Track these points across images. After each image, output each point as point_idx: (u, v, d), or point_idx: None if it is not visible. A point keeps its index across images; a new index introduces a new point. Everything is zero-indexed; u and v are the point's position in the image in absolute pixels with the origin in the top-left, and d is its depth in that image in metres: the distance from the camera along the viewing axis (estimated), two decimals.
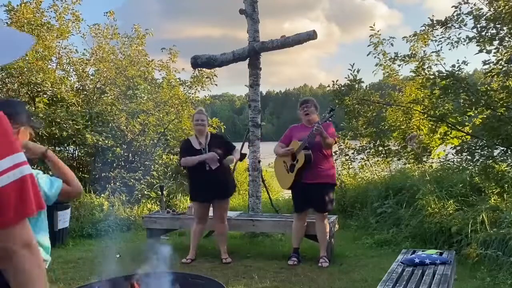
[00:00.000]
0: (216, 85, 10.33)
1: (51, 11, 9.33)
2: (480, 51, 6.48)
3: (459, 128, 7.03)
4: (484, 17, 6.62)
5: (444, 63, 7.47)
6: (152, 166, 8.92)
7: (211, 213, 5.50)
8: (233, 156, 5.33)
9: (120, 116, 9.08)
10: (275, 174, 5.70)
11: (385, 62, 8.83)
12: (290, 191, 5.61)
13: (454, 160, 7.18)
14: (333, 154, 8.37)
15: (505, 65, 6.50)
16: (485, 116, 6.48)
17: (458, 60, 6.65)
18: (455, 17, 6.99)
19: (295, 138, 5.25)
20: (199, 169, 5.23)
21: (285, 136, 5.45)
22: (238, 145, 7.28)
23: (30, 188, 1.09)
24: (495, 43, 6.57)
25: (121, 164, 8.82)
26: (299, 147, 5.11)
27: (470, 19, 6.80)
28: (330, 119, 5.09)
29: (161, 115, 9.41)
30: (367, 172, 8.73)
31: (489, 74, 6.59)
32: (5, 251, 1.07)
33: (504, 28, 6.51)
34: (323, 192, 5.14)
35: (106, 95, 9.49)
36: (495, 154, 6.31)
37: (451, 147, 7.05)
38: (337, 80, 8.35)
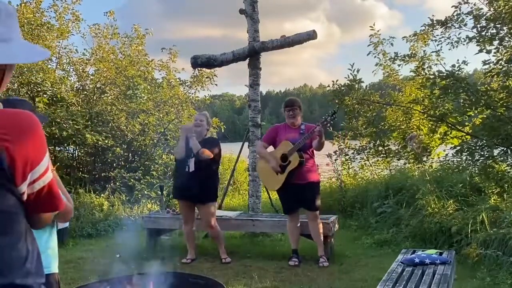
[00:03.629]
0: (216, 85, 10.35)
1: (51, 11, 9.34)
2: (480, 51, 6.48)
3: (459, 128, 7.02)
4: (484, 17, 6.62)
5: (444, 63, 7.48)
6: (152, 166, 8.92)
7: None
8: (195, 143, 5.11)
9: (120, 116, 9.08)
10: (259, 174, 5.62)
11: (385, 62, 8.84)
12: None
13: (454, 160, 7.18)
14: (334, 154, 8.47)
15: (505, 65, 6.50)
16: (485, 116, 6.48)
17: (458, 60, 6.65)
18: (455, 17, 6.99)
19: (281, 137, 5.20)
20: (181, 169, 5.26)
21: (269, 135, 5.37)
22: (238, 145, 7.32)
23: (57, 187, 1.29)
24: (495, 43, 6.57)
25: (121, 164, 8.83)
26: (292, 148, 5.04)
27: (470, 19, 6.80)
28: (331, 122, 5.08)
29: (161, 115, 9.41)
30: (367, 172, 8.72)
31: (489, 74, 6.58)
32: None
33: (504, 28, 6.51)
34: (312, 191, 5.16)
35: (106, 95, 9.49)
36: (495, 154, 6.31)
37: (451, 147, 7.05)
38: (337, 80, 8.35)
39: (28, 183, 1.20)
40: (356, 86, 8.25)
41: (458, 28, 7.09)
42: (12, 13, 1.28)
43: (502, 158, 6.33)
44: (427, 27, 7.59)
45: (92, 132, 8.13)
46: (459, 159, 6.98)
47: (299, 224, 5.34)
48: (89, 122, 8.41)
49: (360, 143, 8.86)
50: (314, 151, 5.27)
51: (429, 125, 7.94)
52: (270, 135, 5.37)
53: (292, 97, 5.80)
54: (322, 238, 5.24)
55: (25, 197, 1.21)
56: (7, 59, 1.24)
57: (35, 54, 1.32)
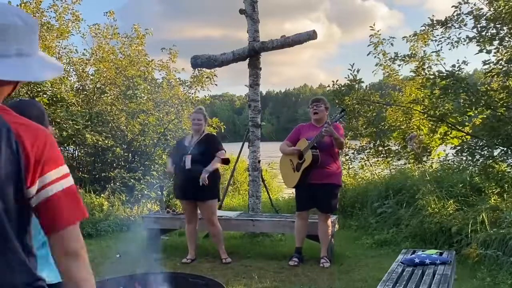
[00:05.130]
0: (216, 85, 10.34)
1: (51, 11, 9.35)
2: (480, 51, 6.48)
3: (459, 128, 7.02)
4: (484, 17, 6.62)
5: (444, 63, 7.48)
6: (152, 166, 8.92)
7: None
8: (207, 168, 5.12)
9: (120, 116, 9.08)
10: (280, 172, 5.67)
11: (385, 62, 8.84)
12: (292, 190, 5.58)
13: (454, 160, 7.18)
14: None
15: (505, 65, 6.50)
16: (485, 116, 6.48)
17: (458, 60, 6.64)
18: (455, 17, 6.99)
19: (303, 136, 5.22)
20: (181, 168, 5.24)
21: (292, 134, 5.42)
22: (238, 145, 7.32)
23: (78, 194, 1.25)
24: (495, 43, 6.57)
25: (121, 164, 8.82)
26: (306, 146, 5.07)
27: (470, 19, 6.80)
28: (341, 119, 5.08)
29: (161, 115, 9.41)
30: (367, 172, 8.72)
31: (489, 74, 6.58)
32: (69, 251, 1.23)
33: (504, 28, 6.51)
34: (328, 193, 5.12)
35: (106, 95, 9.49)
36: (495, 154, 6.31)
37: (451, 147, 7.05)
38: (337, 80, 8.36)
39: (42, 186, 1.17)
40: (356, 86, 8.26)
41: (458, 28, 7.09)
42: (33, 26, 1.24)
43: (502, 158, 6.33)
44: (427, 27, 7.59)
45: (92, 132, 8.13)
46: (459, 159, 6.98)
47: (307, 224, 5.33)
48: (89, 122, 8.41)
49: (360, 143, 8.86)
50: (339, 153, 5.28)
51: (429, 125, 7.94)
52: (294, 134, 5.40)
53: (319, 96, 5.83)
54: (328, 240, 5.25)
55: (32, 202, 1.17)
56: (22, 76, 1.23)
57: (48, 70, 1.30)
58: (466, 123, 7.03)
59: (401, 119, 8.49)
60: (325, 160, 5.06)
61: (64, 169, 1.22)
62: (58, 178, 1.19)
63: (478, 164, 6.45)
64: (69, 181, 1.22)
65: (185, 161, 5.19)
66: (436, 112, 7.22)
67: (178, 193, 5.50)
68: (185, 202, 5.41)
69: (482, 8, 6.79)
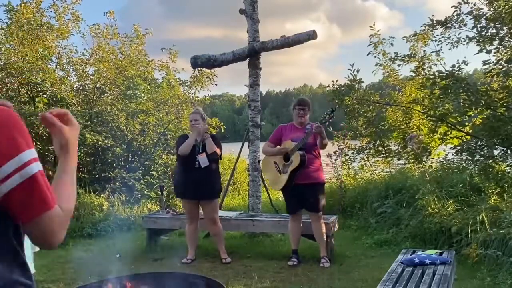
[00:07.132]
0: (216, 85, 10.35)
1: (51, 11, 9.36)
2: (480, 51, 6.47)
3: (459, 128, 7.02)
4: (484, 17, 6.61)
5: (444, 63, 7.47)
6: (152, 166, 8.92)
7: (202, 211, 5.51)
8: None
9: (120, 116, 9.08)
10: (264, 175, 5.64)
11: (385, 62, 8.83)
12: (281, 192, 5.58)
13: (454, 160, 7.18)
14: (334, 154, 8.47)
15: (505, 65, 6.49)
16: (485, 116, 6.47)
17: (458, 60, 6.63)
18: (455, 17, 6.98)
19: (286, 138, 5.21)
20: (189, 167, 5.24)
21: (274, 136, 5.39)
22: (238, 145, 7.32)
23: (42, 184, 1.10)
24: (495, 43, 6.56)
25: (121, 164, 8.82)
26: (293, 148, 5.06)
27: (470, 19, 6.79)
28: (330, 120, 5.09)
29: (161, 115, 9.42)
30: (367, 172, 8.72)
31: (489, 74, 6.58)
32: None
33: (504, 28, 6.51)
34: (315, 192, 5.13)
35: (106, 95, 9.50)
36: (495, 154, 6.31)
37: (451, 147, 7.04)
38: (337, 80, 8.34)
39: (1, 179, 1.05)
40: (356, 86, 8.24)
41: (458, 28, 7.08)
42: None
43: (502, 158, 6.33)
44: (427, 27, 7.59)
45: (92, 132, 8.13)
46: (459, 159, 6.98)
47: (301, 225, 5.33)
48: (89, 122, 8.41)
49: (360, 143, 8.85)
50: (321, 152, 5.28)
51: (429, 125, 7.93)
52: (276, 135, 5.38)
53: (304, 97, 5.81)
54: (325, 238, 5.25)
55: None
56: None
57: None
58: (466, 123, 7.02)
59: (401, 119, 8.49)
60: (309, 160, 5.09)
61: (25, 156, 1.08)
62: (16, 170, 1.06)
63: (478, 164, 6.44)
64: (30, 170, 1.07)
65: (199, 160, 5.21)
66: (436, 112, 7.21)
67: (184, 192, 5.41)
68: (189, 201, 5.39)
69: (482, 8, 6.79)
